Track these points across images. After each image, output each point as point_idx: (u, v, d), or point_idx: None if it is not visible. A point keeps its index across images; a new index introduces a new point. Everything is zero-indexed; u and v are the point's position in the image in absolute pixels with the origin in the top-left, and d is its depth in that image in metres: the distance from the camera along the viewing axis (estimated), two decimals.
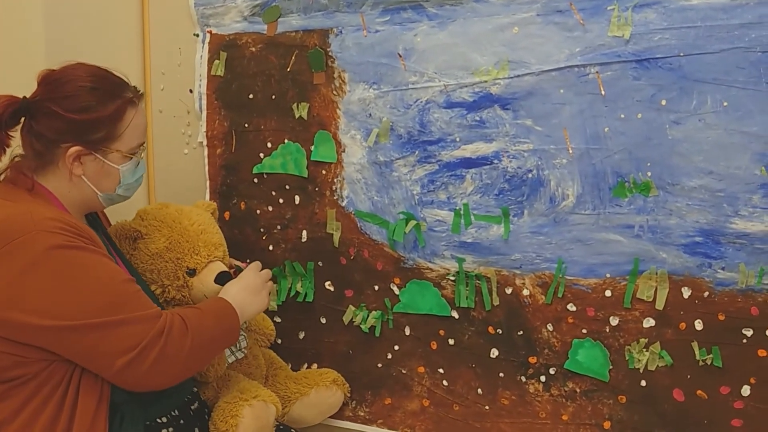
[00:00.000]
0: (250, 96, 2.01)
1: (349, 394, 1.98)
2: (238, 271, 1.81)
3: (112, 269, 1.42)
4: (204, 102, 2.08)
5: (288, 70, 1.95)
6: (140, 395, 1.45)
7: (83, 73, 1.49)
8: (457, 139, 1.76)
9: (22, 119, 1.48)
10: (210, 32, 2.05)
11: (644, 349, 1.65)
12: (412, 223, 1.83)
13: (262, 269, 1.74)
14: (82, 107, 1.46)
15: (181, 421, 1.61)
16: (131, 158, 1.54)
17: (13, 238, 1.32)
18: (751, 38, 1.47)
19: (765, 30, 1.45)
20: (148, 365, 1.36)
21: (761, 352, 1.55)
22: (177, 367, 1.42)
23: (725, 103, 1.50)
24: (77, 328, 1.32)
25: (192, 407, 1.68)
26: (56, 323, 1.31)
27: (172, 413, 1.60)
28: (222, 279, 1.71)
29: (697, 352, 1.60)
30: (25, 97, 1.47)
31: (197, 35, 2.07)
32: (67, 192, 1.51)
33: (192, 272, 1.71)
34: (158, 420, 1.56)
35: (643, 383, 1.66)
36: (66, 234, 1.36)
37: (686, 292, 1.60)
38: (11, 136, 1.49)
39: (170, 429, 1.57)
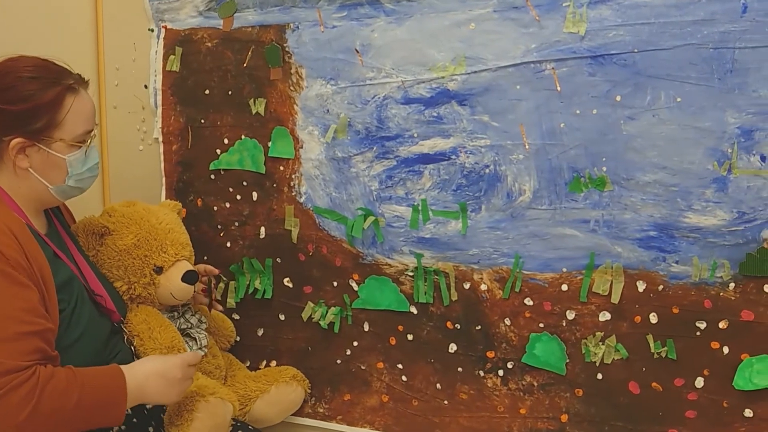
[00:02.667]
0: (206, 92, 1.99)
1: (309, 391, 1.97)
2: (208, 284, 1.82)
3: (12, 302, 1.32)
4: (159, 98, 2.06)
5: (244, 65, 1.93)
6: None
7: (22, 64, 1.47)
8: (415, 135, 1.76)
9: None
10: (165, 27, 2.03)
11: (600, 343, 1.66)
12: (371, 219, 1.83)
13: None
14: (21, 97, 1.43)
15: (134, 420, 1.59)
16: (79, 147, 1.51)
17: None
18: (703, 35, 1.48)
19: (717, 27, 1.47)
20: None
21: (714, 345, 1.57)
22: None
23: (678, 99, 1.52)
24: None
25: (147, 406, 1.65)
26: None
27: (126, 411, 1.57)
28: (190, 278, 1.72)
29: (651, 345, 1.62)
30: None
31: (152, 30, 2.05)
32: (17, 187, 1.49)
33: (159, 270, 1.72)
34: None
35: (600, 376, 1.68)
36: None
37: (641, 286, 1.62)
38: None
39: (122, 427, 1.55)
